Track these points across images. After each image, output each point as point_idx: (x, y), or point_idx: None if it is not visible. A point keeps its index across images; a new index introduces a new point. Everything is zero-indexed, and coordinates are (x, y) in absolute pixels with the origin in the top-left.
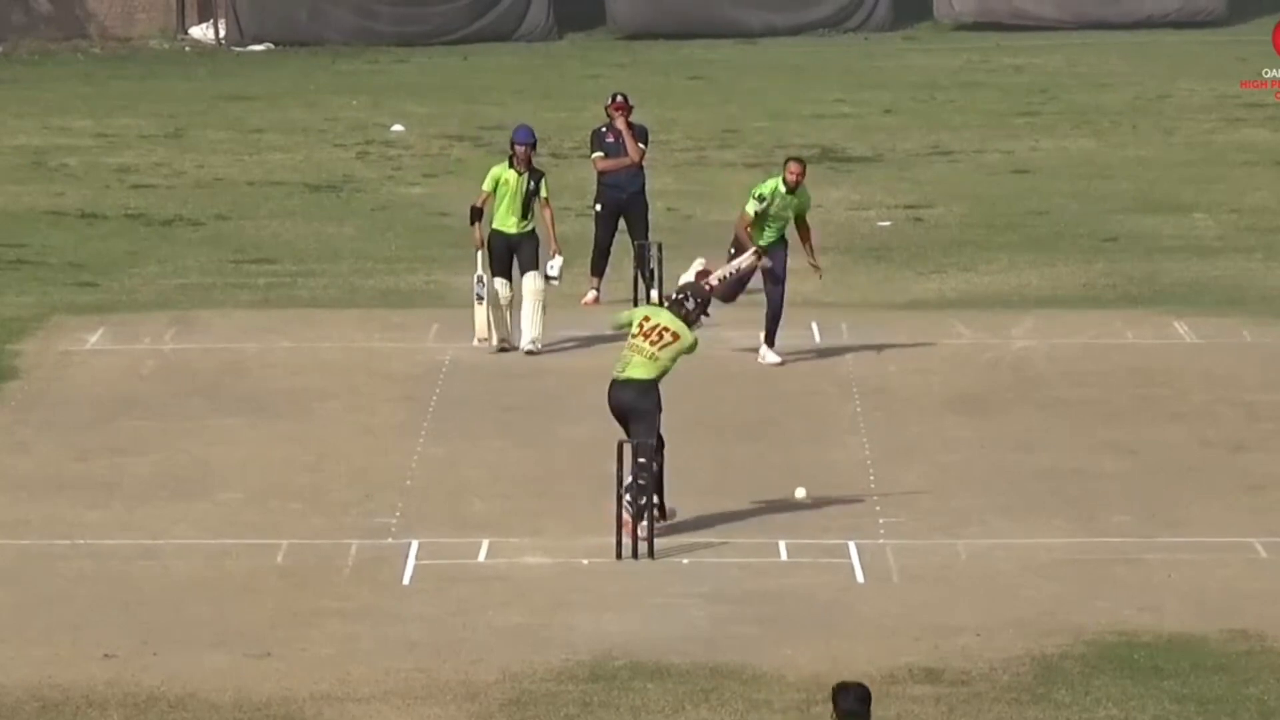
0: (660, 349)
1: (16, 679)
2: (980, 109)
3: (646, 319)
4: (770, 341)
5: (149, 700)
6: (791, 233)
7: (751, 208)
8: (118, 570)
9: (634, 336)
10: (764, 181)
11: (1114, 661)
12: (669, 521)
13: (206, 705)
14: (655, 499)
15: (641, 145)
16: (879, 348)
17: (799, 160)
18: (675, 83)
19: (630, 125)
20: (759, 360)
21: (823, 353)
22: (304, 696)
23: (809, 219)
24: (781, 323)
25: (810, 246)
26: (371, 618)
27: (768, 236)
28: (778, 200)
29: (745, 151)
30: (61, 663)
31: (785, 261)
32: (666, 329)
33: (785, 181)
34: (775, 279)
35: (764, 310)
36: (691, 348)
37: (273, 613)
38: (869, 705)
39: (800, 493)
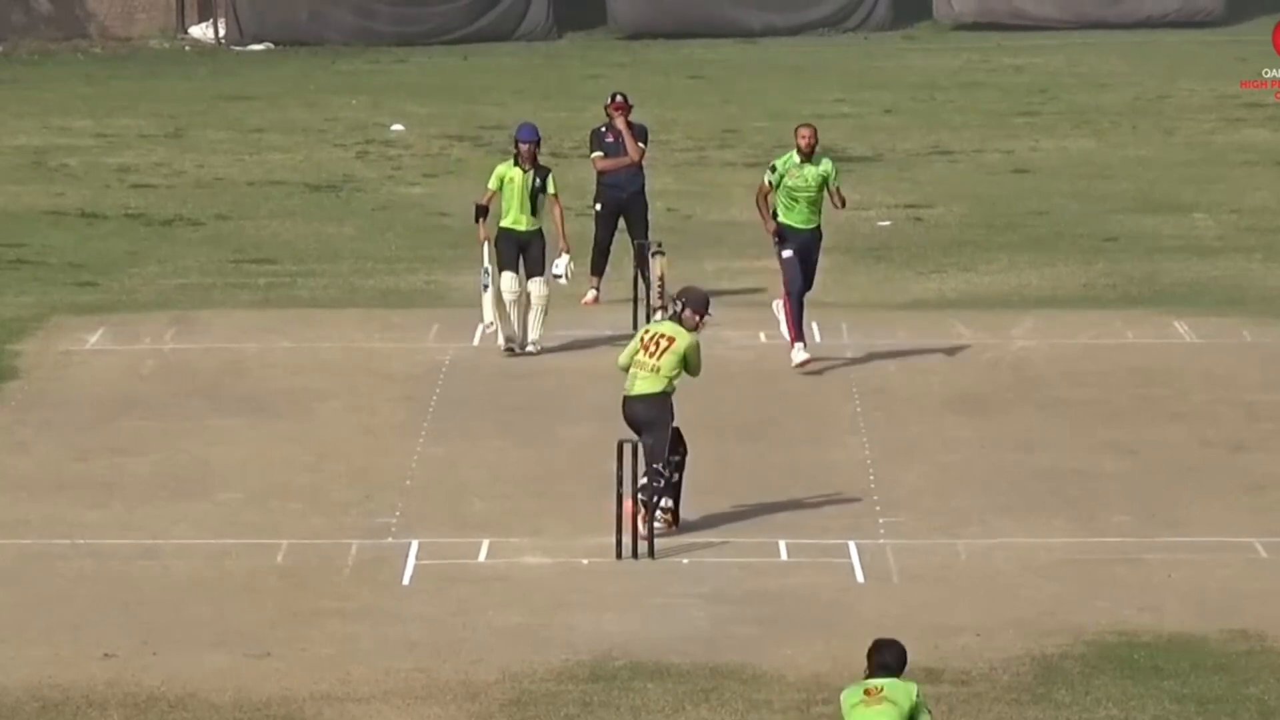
0: (660, 358)
1: (16, 679)
2: (980, 109)
3: (646, 332)
4: (800, 337)
5: (149, 700)
6: (830, 224)
7: (766, 177)
8: (118, 570)
9: (638, 355)
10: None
11: (1114, 661)
12: (676, 530)
13: (206, 705)
14: (672, 504)
15: (641, 144)
16: (879, 348)
17: (808, 125)
18: (675, 83)
19: (630, 125)
20: (793, 362)
21: (823, 353)
22: (304, 696)
23: (844, 191)
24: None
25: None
26: (371, 618)
27: (797, 217)
28: (793, 170)
29: (745, 151)
30: (61, 663)
31: (817, 252)
32: (663, 335)
33: (799, 149)
34: (796, 270)
35: (773, 306)
36: (691, 350)
37: (273, 613)
38: (904, 665)
39: None
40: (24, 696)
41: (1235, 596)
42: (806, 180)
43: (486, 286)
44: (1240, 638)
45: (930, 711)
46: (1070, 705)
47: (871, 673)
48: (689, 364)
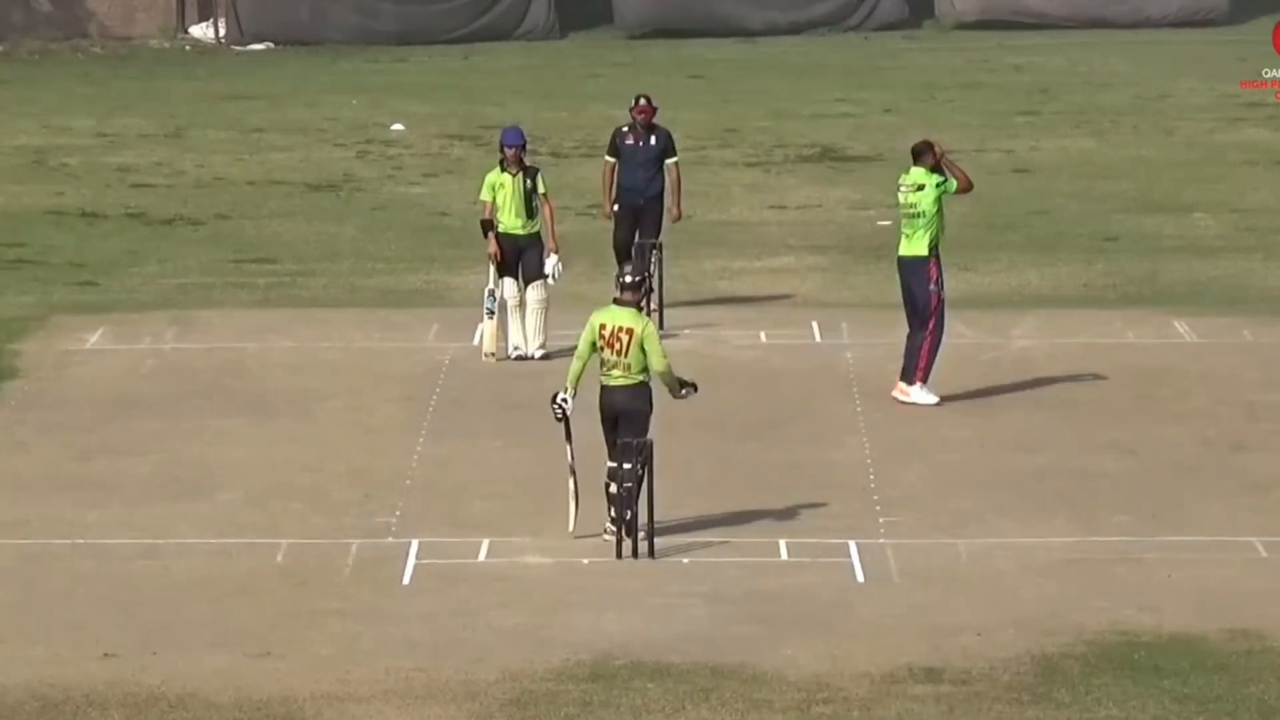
0: (628, 354)
1: (16, 679)
2: (980, 109)
3: (603, 327)
4: (921, 378)
5: (149, 700)
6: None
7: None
8: (118, 570)
9: (601, 350)
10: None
11: (1114, 661)
12: (627, 539)
13: (206, 705)
14: (629, 516)
15: (674, 159)
16: (879, 348)
17: (926, 140)
18: (675, 82)
19: (654, 128)
20: (901, 397)
21: (823, 352)
22: (304, 696)
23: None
24: (936, 358)
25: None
26: (371, 618)
27: (909, 246)
28: (902, 189)
29: (745, 151)
30: (61, 663)
31: (929, 282)
32: (621, 328)
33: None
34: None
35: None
36: (649, 332)
37: (273, 613)
38: None
39: None
40: (24, 696)
41: (1235, 596)
42: (916, 206)
43: (492, 313)
44: (1240, 638)
45: None
46: (1070, 705)
47: None
48: (649, 351)
